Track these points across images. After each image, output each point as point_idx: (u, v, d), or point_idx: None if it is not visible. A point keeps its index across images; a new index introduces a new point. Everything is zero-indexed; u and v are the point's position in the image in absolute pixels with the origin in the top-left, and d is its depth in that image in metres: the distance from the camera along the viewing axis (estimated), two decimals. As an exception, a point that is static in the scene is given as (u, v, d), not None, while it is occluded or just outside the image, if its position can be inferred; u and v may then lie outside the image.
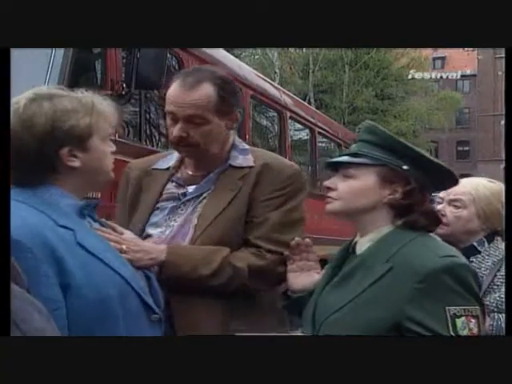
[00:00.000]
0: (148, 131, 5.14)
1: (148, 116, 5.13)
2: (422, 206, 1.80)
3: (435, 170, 1.82)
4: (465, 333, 1.64)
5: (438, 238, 1.88)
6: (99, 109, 1.71)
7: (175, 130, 2.05)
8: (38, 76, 3.77)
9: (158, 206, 2.15)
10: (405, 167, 1.78)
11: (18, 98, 1.66)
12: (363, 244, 1.82)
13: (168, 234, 2.10)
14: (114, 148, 1.78)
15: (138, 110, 4.86)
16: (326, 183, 1.85)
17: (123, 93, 4.31)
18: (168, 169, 2.20)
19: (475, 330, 1.65)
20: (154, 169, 2.22)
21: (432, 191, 1.88)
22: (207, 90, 2.05)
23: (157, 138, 5.32)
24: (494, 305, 2.34)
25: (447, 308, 1.64)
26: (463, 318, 1.65)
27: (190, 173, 2.17)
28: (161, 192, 2.17)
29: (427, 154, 1.85)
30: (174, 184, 2.17)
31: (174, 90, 2.06)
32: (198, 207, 2.11)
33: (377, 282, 1.71)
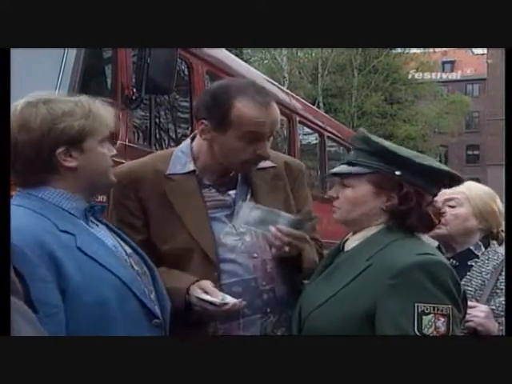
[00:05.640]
0: (158, 136, 5.16)
1: (158, 121, 5.14)
2: (419, 209, 1.80)
3: (428, 172, 1.82)
4: (430, 331, 1.64)
5: (421, 240, 1.87)
6: (96, 113, 1.74)
7: (266, 150, 2.01)
8: (49, 80, 3.80)
9: (211, 215, 2.06)
10: (397, 173, 1.79)
11: (17, 102, 1.69)
12: (352, 242, 1.87)
13: (249, 240, 2.05)
14: (113, 152, 1.80)
15: (148, 114, 4.89)
16: (330, 192, 1.93)
17: (133, 97, 4.34)
18: (191, 172, 2.09)
19: (442, 329, 1.64)
20: (172, 174, 2.08)
21: (434, 192, 1.87)
22: (276, 106, 2.05)
23: (166, 142, 5.33)
24: (500, 309, 2.32)
25: (416, 304, 1.65)
26: (431, 316, 1.64)
27: (215, 176, 2.10)
28: (203, 199, 2.07)
29: (416, 158, 1.83)
30: (214, 190, 2.09)
31: (251, 109, 1.97)
32: None
33: (356, 278, 1.75)
